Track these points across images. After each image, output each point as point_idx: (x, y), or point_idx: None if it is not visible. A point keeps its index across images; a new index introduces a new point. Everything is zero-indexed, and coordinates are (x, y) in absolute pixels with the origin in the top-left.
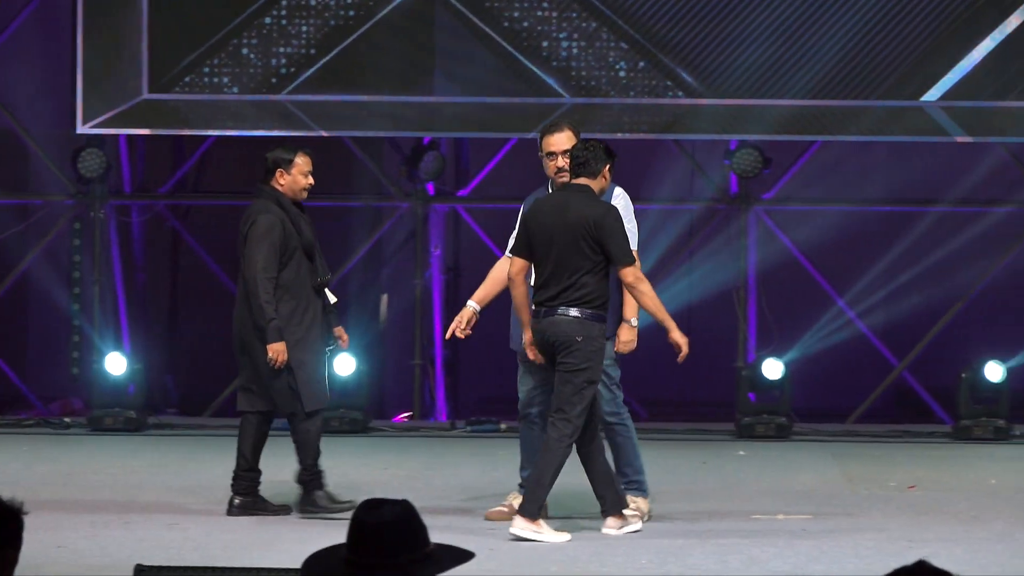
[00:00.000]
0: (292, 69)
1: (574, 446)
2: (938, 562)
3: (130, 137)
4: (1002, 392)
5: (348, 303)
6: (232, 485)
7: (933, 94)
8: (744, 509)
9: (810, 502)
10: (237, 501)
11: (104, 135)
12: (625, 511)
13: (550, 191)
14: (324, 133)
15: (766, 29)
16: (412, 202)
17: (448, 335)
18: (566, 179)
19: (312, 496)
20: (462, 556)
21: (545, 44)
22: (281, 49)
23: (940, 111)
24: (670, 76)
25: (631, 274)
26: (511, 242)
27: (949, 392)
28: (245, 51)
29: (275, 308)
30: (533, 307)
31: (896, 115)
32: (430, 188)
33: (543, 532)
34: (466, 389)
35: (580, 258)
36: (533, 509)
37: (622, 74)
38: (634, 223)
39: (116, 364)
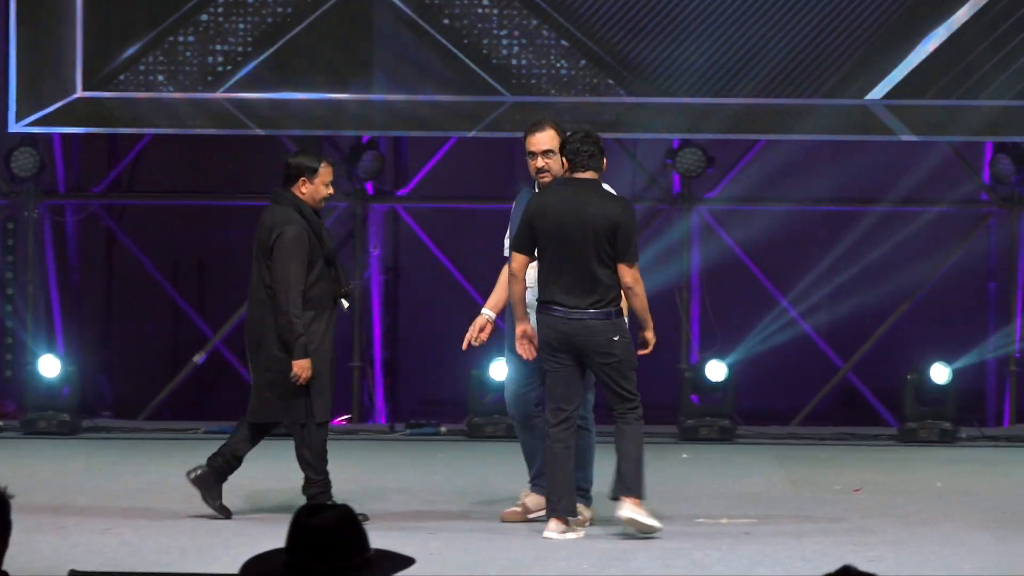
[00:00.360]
0: (229, 67)
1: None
2: (885, 566)
3: (64, 135)
4: (948, 394)
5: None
6: (210, 457)
7: (877, 92)
8: (687, 513)
9: (754, 505)
10: (200, 471)
11: (38, 133)
12: (572, 518)
13: (536, 190)
14: (261, 132)
15: (709, 27)
16: (350, 202)
17: (464, 345)
18: (547, 180)
19: None
20: (402, 562)
21: (485, 42)
22: (218, 47)
23: (885, 110)
24: (612, 74)
25: (631, 275)
26: (508, 240)
27: (894, 394)
28: (181, 48)
29: (303, 323)
30: (541, 302)
31: (840, 114)
32: (369, 187)
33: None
34: (405, 391)
35: (599, 255)
36: (640, 489)
37: (563, 72)
38: None
39: (49, 366)
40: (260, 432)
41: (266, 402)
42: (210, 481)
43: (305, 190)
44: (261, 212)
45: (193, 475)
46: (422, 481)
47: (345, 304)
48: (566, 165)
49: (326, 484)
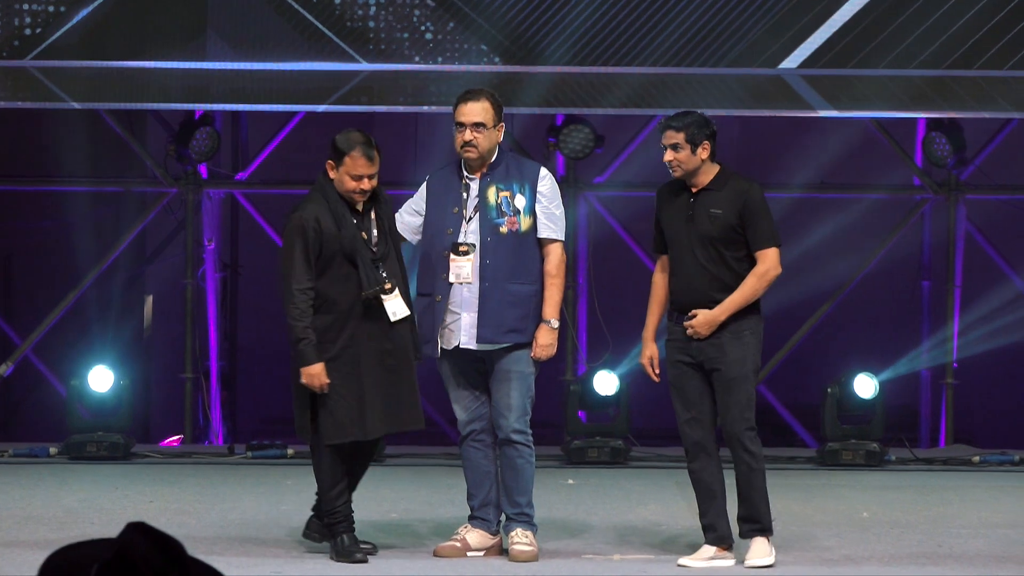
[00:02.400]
0: (38, 30)
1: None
2: None
3: None
4: (875, 410)
5: (105, 306)
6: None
7: (792, 61)
8: (573, 548)
9: (651, 539)
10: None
11: None
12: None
13: (463, 169)
14: (76, 105)
15: None
16: (181, 187)
17: None
18: (472, 155)
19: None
20: None
21: (338, 1)
22: (25, 6)
23: (800, 80)
24: (485, 39)
25: None
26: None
27: (813, 410)
28: None
29: (308, 325)
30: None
31: (749, 85)
32: (202, 170)
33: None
34: (246, 408)
35: None
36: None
37: (428, 36)
38: (562, 208)
39: None
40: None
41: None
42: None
43: (332, 176)
44: None
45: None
46: (267, 511)
47: (393, 312)
48: (708, 152)
49: (337, 514)
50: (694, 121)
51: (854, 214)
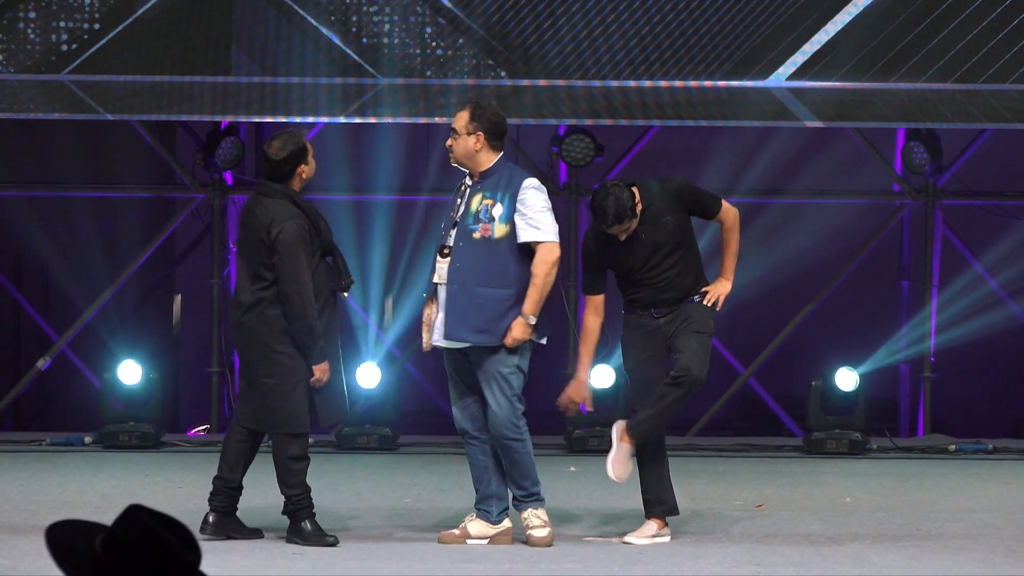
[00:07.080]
0: (74, 46)
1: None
2: None
3: None
4: (856, 401)
5: (137, 304)
6: (209, 499)
7: (780, 75)
8: (575, 531)
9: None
10: (212, 519)
11: None
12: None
13: (467, 180)
14: (111, 116)
15: (598, 4)
16: (208, 193)
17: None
18: (451, 158)
19: (299, 527)
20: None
21: (355, 19)
22: (62, 24)
23: (788, 93)
24: (492, 55)
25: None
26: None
27: (799, 402)
28: (22, 25)
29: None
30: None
31: (740, 97)
32: (228, 177)
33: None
34: None
35: None
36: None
37: (439, 52)
38: (545, 213)
39: None
40: (256, 444)
41: (271, 410)
42: (226, 522)
43: (305, 175)
44: (245, 206)
45: (207, 528)
46: None
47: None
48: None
49: (307, 503)
50: (630, 204)
51: (838, 218)
